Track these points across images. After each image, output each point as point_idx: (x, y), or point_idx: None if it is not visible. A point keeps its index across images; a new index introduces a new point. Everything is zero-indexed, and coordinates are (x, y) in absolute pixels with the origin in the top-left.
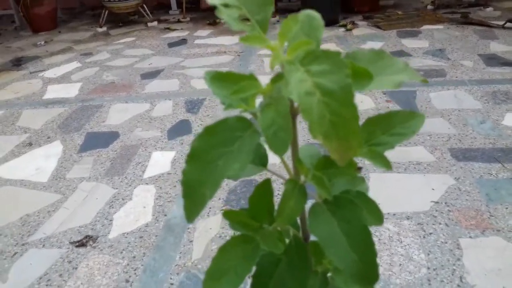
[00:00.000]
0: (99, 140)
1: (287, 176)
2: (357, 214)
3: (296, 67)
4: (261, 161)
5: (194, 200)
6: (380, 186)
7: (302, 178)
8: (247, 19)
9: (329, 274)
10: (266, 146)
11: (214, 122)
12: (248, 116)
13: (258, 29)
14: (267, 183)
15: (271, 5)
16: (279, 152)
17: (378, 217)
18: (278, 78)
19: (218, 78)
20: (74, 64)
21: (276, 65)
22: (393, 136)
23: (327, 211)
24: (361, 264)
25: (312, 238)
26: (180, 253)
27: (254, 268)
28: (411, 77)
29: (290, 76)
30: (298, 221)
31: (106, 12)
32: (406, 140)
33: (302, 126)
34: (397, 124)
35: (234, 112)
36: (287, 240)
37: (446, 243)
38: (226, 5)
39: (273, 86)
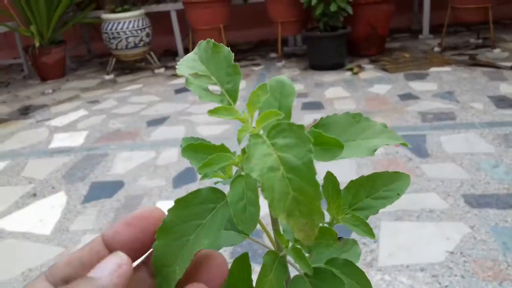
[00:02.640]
0: (103, 190)
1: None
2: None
3: (261, 140)
4: None
5: (165, 278)
6: (392, 236)
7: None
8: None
9: None
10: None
11: (186, 194)
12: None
13: (228, 99)
14: (244, 257)
15: (239, 74)
16: (248, 228)
17: (366, 287)
18: None
19: (190, 149)
20: (81, 112)
21: (245, 137)
22: (377, 200)
23: (308, 284)
24: None
25: None
26: None
27: None
28: (389, 141)
29: (253, 151)
30: None
31: (114, 60)
32: (390, 203)
33: None
34: (381, 187)
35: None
36: None
37: None
38: (196, 75)
39: (244, 157)
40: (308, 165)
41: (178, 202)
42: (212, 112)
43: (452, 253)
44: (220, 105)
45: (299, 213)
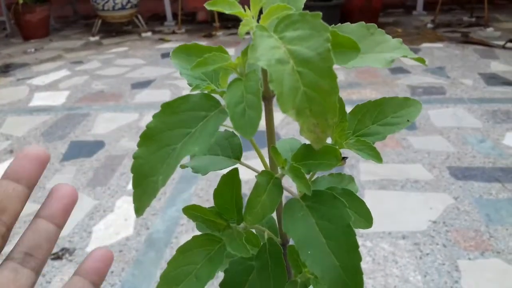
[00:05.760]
0: (83, 149)
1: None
2: (339, 212)
3: (268, 33)
4: (234, 154)
5: (144, 189)
6: (376, 204)
7: (279, 171)
8: None
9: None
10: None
11: (173, 99)
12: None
13: None
14: (234, 173)
15: None
16: (247, 133)
17: (367, 218)
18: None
19: (183, 51)
20: (63, 72)
21: (246, 33)
22: (385, 126)
23: (305, 207)
24: (343, 270)
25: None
26: (162, 269)
27: (221, 275)
28: (405, 54)
29: (259, 43)
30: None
31: (100, 21)
32: (399, 130)
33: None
34: (390, 113)
35: None
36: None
37: (443, 264)
38: None
39: (244, 60)
40: (325, 55)
41: (164, 107)
42: (210, 4)
43: (434, 222)
44: None
45: (309, 112)
